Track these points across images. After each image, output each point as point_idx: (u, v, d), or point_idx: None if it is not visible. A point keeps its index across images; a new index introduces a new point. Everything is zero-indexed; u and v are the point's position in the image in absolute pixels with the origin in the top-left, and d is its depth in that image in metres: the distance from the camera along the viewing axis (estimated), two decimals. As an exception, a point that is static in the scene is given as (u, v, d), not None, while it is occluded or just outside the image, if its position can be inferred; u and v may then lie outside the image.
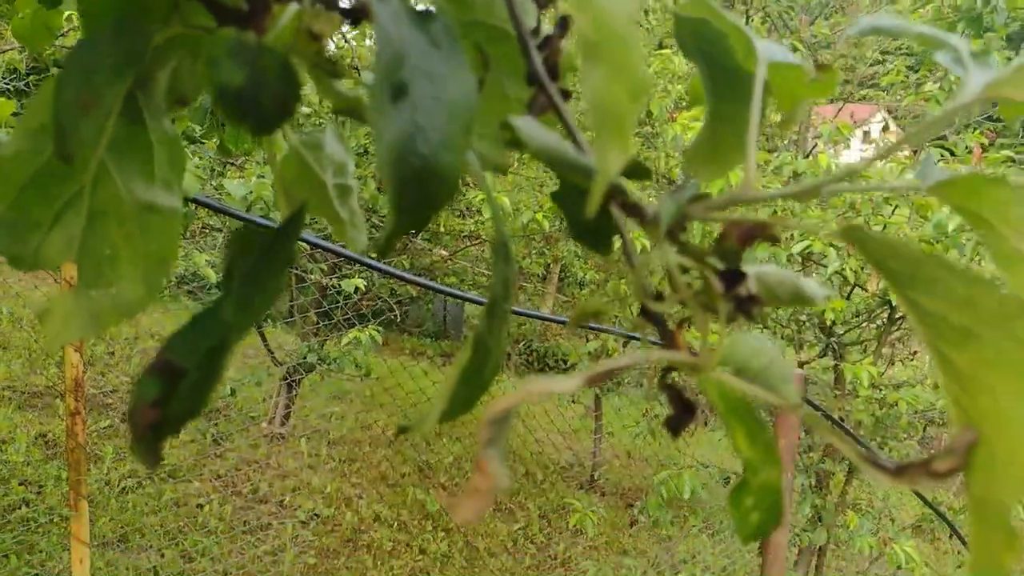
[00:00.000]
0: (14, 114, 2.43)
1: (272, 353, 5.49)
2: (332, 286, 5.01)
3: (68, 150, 0.28)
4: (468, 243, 7.10)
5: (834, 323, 4.09)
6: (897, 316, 4.49)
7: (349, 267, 5.09)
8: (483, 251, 7.37)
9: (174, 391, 0.27)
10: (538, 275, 7.77)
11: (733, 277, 0.31)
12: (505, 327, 0.33)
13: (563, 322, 4.74)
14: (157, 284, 0.41)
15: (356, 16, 0.33)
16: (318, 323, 5.34)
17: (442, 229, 6.63)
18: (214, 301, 0.29)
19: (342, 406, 6.69)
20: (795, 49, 5.24)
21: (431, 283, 4.66)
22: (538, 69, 0.33)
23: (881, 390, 4.13)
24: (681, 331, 0.30)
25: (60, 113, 0.27)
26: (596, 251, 0.31)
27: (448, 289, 4.48)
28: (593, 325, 4.51)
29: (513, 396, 0.23)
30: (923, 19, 5.07)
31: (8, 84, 4.04)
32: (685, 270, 0.32)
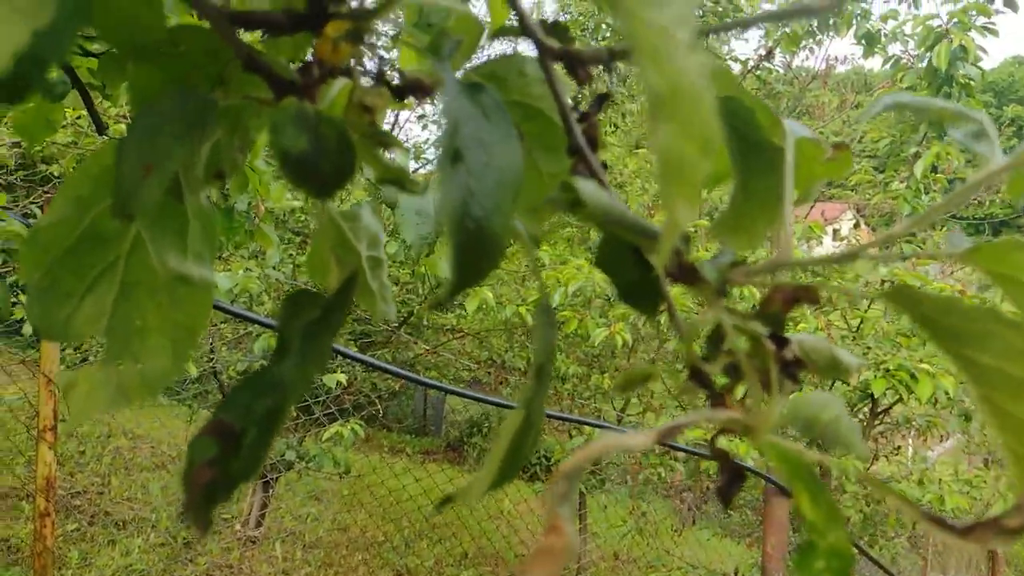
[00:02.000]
0: (3, 207, 2.44)
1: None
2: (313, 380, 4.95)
3: (129, 211, 0.28)
4: (450, 336, 7.09)
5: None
6: (879, 410, 4.50)
7: (331, 360, 5.04)
8: (464, 344, 7.34)
9: (230, 452, 0.26)
10: (520, 368, 7.73)
11: (778, 341, 0.31)
12: (546, 392, 0.33)
13: (553, 416, 4.69)
14: (185, 356, 0.41)
15: (405, 91, 0.35)
16: (297, 418, 5.23)
17: (424, 322, 6.63)
18: (268, 363, 0.29)
19: (319, 506, 6.48)
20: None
21: (416, 376, 4.62)
22: (579, 141, 0.35)
23: (866, 487, 4.09)
24: (729, 395, 0.30)
25: (123, 175, 0.28)
26: (643, 312, 0.31)
27: (433, 382, 4.43)
28: (575, 417, 4.46)
29: (589, 450, 0.23)
30: (887, 122, 5.32)
31: (-1, 179, 4.10)
32: (721, 338, 0.32)
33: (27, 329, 4.74)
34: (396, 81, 0.34)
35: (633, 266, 0.30)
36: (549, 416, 4.73)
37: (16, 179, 4.65)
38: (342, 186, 0.30)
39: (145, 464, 6.59)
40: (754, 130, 0.36)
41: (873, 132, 5.49)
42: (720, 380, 0.31)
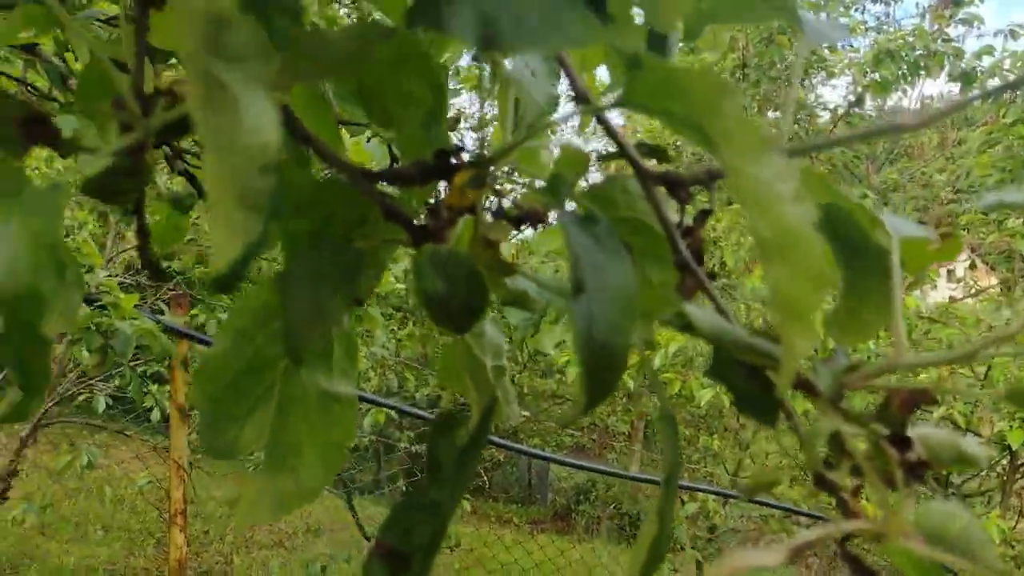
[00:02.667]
0: (136, 305, 2.65)
1: (362, 527, 5.44)
2: (420, 453, 5.03)
3: (300, 356, 0.32)
4: (551, 403, 7.06)
5: (950, 472, 3.83)
6: (1020, 463, 4.17)
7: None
8: (565, 410, 7.28)
9: (399, 568, 0.29)
10: (624, 433, 7.59)
11: (900, 442, 0.32)
12: (676, 499, 0.35)
13: (656, 482, 4.57)
14: (335, 468, 0.45)
15: (522, 221, 0.38)
16: (407, 491, 5.30)
17: (524, 390, 6.63)
18: (421, 487, 0.32)
19: (430, 581, 6.45)
20: (864, 196, 5.29)
21: (519, 445, 4.61)
22: (685, 256, 0.37)
23: (1014, 546, 3.76)
24: (857, 499, 0.31)
25: (293, 324, 0.32)
26: (761, 422, 0.33)
27: (536, 451, 4.41)
28: (690, 484, 4.33)
29: (721, 570, 0.24)
30: (993, 159, 5.07)
31: (129, 279, 4.45)
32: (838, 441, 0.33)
33: (155, 415, 5.04)
34: (514, 212, 0.38)
35: (747, 378, 0.32)
36: (659, 482, 4.59)
37: (143, 278, 5.04)
38: (477, 321, 0.33)
39: (264, 542, 6.78)
40: (855, 232, 0.38)
41: (980, 169, 5.26)
42: (846, 481, 0.32)
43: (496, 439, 4.29)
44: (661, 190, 0.39)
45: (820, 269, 0.23)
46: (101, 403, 4.41)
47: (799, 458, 4.63)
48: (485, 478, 5.65)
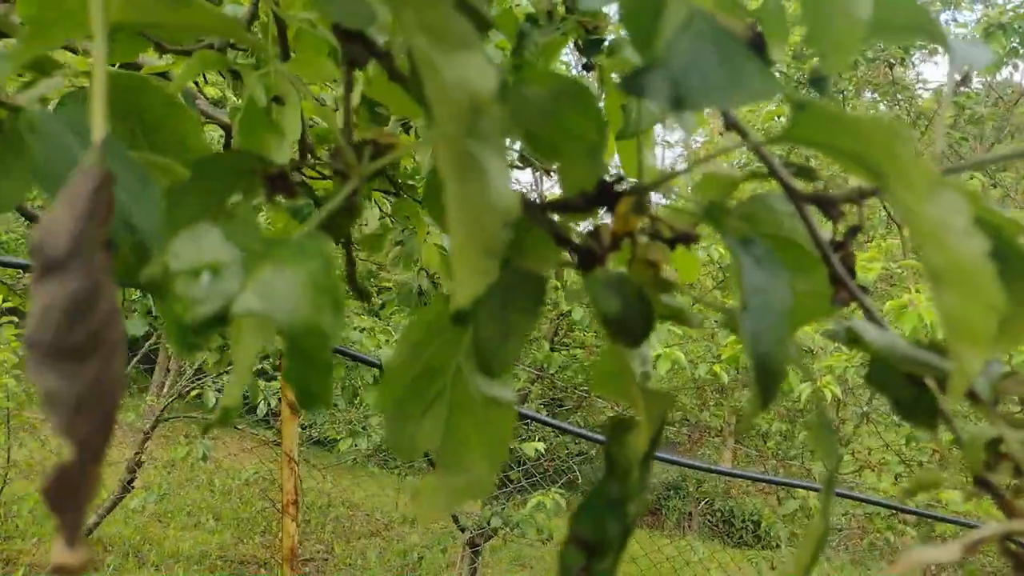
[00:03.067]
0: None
1: (456, 518, 5.58)
2: (514, 449, 5.10)
3: (492, 370, 0.37)
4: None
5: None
6: None
7: (527, 428, 5.18)
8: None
9: (595, 560, 0.34)
10: (717, 428, 7.47)
11: (1057, 445, 0.34)
12: (833, 502, 0.38)
13: (751, 478, 4.50)
14: (499, 465, 0.49)
15: (676, 242, 0.42)
16: (503, 486, 5.40)
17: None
18: (603, 485, 0.36)
19: (524, 573, 6.54)
20: (972, 177, 5.03)
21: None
22: (839, 271, 0.40)
23: None
24: (1019, 498, 0.33)
25: (484, 340, 0.37)
26: (921, 427, 0.35)
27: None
28: (784, 480, 4.24)
29: (900, 565, 0.27)
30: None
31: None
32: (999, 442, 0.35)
33: (261, 409, 5.30)
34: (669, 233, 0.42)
35: (907, 385, 0.35)
36: (754, 479, 4.52)
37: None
38: (648, 336, 0.37)
39: (362, 532, 7.01)
40: (1003, 241, 0.39)
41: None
42: (1006, 482, 0.34)
43: (585, 432, 4.31)
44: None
45: (994, 297, 0.26)
46: (212, 398, 4.68)
47: (903, 454, 4.46)
48: (577, 472, 5.69)
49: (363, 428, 5.51)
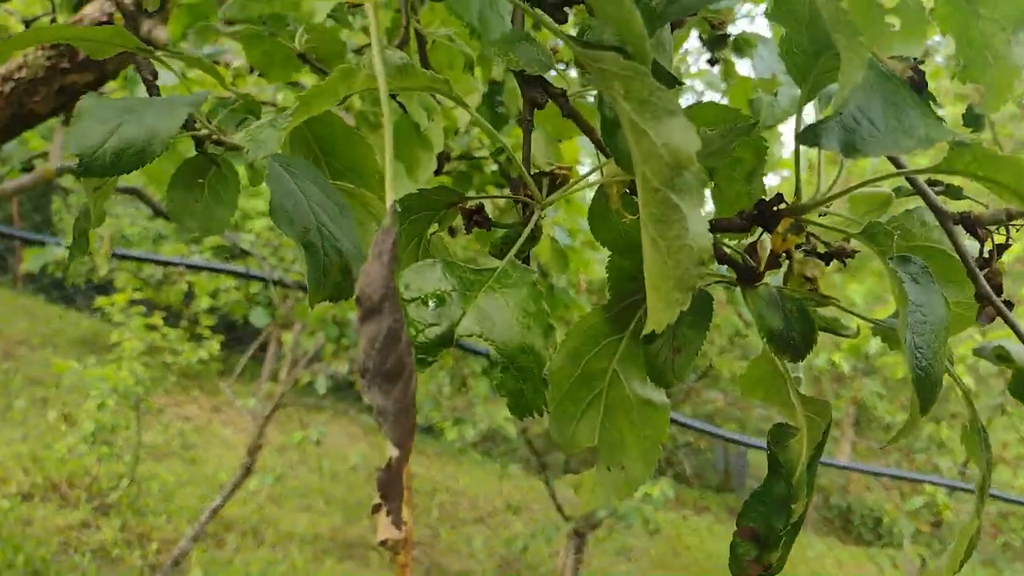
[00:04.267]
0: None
1: (560, 507, 5.62)
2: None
3: (664, 382, 0.41)
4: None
5: None
6: None
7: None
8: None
9: (765, 551, 0.37)
10: (835, 419, 7.18)
11: None
12: (985, 501, 0.40)
13: (871, 472, 4.34)
14: (653, 462, 0.54)
15: (831, 258, 0.45)
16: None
17: (724, 373, 6.47)
18: (767, 484, 0.40)
19: (629, 565, 6.53)
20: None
21: (717, 429, 4.56)
22: (985, 288, 0.42)
23: None
24: None
25: (655, 354, 0.41)
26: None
27: (735, 435, 4.34)
28: (910, 474, 4.06)
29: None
30: None
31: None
32: None
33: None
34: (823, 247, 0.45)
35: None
36: (878, 474, 4.35)
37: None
38: (811, 350, 0.40)
39: (467, 518, 7.17)
40: None
41: None
42: None
43: (693, 423, 4.26)
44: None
45: None
46: (322, 386, 4.90)
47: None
48: (685, 465, 5.64)
49: (464, 418, 5.63)
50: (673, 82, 0.36)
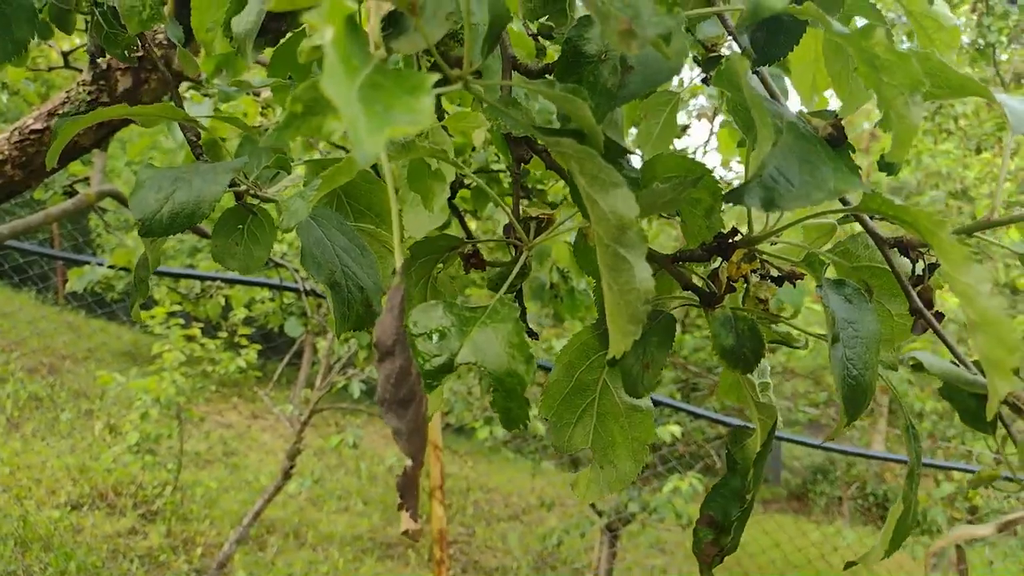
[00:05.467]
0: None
1: (593, 503, 5.69)
2: (648, 434, 5.14)
3: (636, 393, 0.49)
4: (780, 379, 6.86)
5: None
6: None
7: (661, 413, 5.20)
8: (795, 386, 7.04)
9: (721, 535, 0.45)
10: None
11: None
12: (918, 486, 0.47)
13: (902, 461, 4.34)
14: (642, 460, 0.61)
15: (783, 280, 0.52)
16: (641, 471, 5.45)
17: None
18: (726, 478, 0.47)
19: (663, 558, 6.56)
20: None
21: (745, 424, 4.58)
22: (917, 303, 0.49)
23: None
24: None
25: (628, 368, 0.49)
26: (981, 431, 0.44)
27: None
28: (948, 464, 4.05)
29: (945, 539, 0.37)
30: None
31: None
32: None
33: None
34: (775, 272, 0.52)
35: (969, 397, 0.43)
36: (904, 462, 4.35)
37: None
38: (759, 364, 0.47)
39: (502, 515, 7.25)
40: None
41: None
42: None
43: (724, 418, 4.29)
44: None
45: (1014, 340, 0.35)
46: (356, 390, 5.02)
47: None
48: (713, 458, 5.66)
49: (494, 417, 5.70)
50: (624, 152, 0.43)
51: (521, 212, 0.51)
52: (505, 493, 7.72)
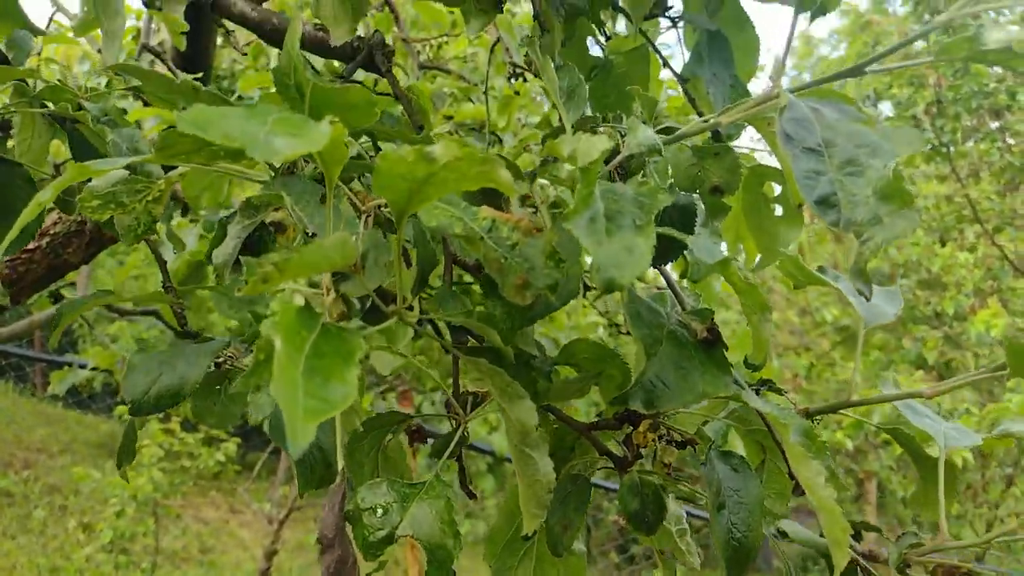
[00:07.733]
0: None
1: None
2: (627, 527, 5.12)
3: (559, 552, 0.56)
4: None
5: None
6: None
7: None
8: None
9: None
10: (850, 496, 7.15)
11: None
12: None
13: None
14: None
15: (684, 445, 0.60)
16: (618, 563, 5.40)
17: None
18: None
19: None
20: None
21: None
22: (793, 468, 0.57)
23: None
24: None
25: (552, 529, 0.56)
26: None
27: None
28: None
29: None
30: None
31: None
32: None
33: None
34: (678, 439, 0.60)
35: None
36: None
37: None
38: (660, 525, 0.55)
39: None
40: (917, 448, 0.56)
41: None
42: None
43: (697, 512, 4.29)
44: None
45: (845, 524, 0.43)
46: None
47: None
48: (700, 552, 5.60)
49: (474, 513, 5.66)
50: (531, 355, 0.52)
51: (460, 388, 0.59)
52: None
